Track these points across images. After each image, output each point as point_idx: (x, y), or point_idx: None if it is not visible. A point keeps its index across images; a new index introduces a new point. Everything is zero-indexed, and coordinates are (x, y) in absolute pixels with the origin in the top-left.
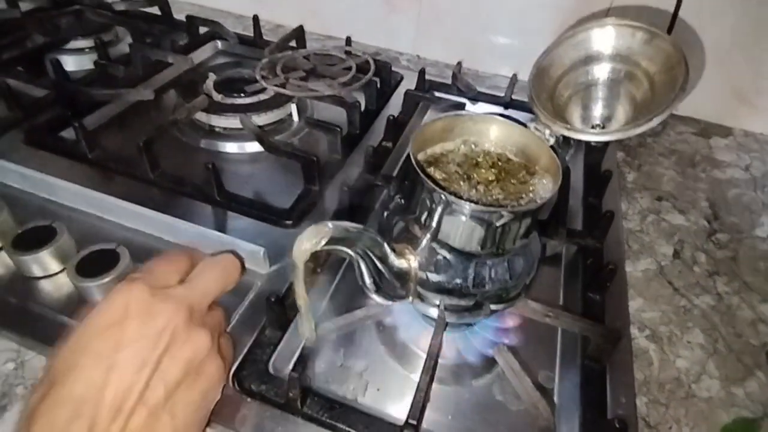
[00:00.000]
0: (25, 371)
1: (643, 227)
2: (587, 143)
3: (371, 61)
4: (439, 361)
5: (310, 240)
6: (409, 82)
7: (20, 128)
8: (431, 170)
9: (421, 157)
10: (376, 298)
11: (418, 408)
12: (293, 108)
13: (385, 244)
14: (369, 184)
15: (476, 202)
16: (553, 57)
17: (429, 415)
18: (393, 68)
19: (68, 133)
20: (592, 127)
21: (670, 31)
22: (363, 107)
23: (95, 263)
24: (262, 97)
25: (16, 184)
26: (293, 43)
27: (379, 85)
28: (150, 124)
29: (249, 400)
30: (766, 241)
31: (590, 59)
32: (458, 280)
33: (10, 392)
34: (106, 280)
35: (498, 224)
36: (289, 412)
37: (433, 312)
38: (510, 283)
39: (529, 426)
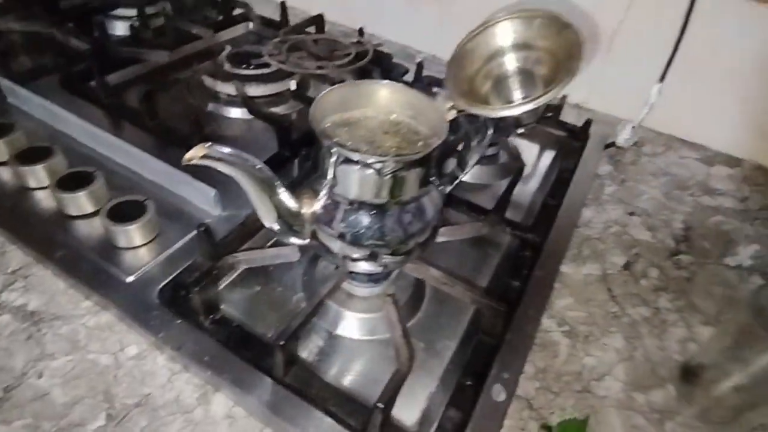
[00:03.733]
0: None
1: (602, 236)
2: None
3: (371, 51)
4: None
5: (193, 153)
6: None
7: (59, 74)
8: (339, 132)
9: (336, 119)
10: (267, 227)
11: (288, 333)
12: (292, 84)
13: (276, 180)
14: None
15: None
16: (471, 47)
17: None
18: (400, 62)
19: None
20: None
21: (675, 50)
22: None
23: (125, 210)
24: (265, 71)
25: (45, 118)
26: (313, 30)
27: (379, 75)
28: (165, 83)
29: (168, 311)
30: (733, 270)
31: (500, 52)
32: (354, 229)
33: None
34: (131, 227)
35: (385, 172)
36: (195, 325)
37: (332, 259)
38: (401, 237)
39: (389, 365)
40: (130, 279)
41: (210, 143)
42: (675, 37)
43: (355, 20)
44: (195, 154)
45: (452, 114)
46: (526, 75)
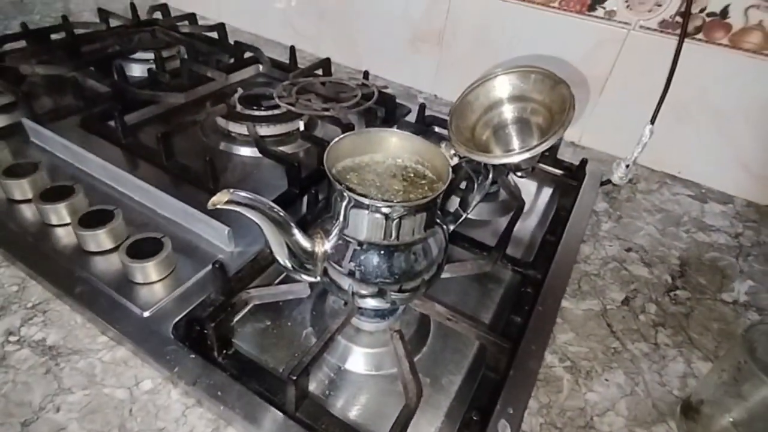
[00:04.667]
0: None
1: (600, 272)
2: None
3: (376, 92)
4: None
5: (218, 198)
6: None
7: (79, 115)
8: (350, 176)
9: (348, 163)
10: (281, 264)
11: (301, 368)
12: (301, 124)
13: (291, 222)
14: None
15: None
16: (471, 98)
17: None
18: (403, 102)
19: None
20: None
21: (664, 94)
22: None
23: (142, 247)
24: (276, 112)
25: (67, 157)
26: (320, 72)
27: (383, 114)
28: (180, 124)
29: (182, 346)
30: (729, 305)
31: (499, 103)
32: (363, 268)
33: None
34: (148, 263)
35: (393, 216)
36: (208, 360)
37: (342, 295)
38: (409, 275)
39: (396, 399)
40: (146, 314)
41: (232, 189)
42: (663, 82)
43: (361, 62)
44: (220, 200)
45: (455, 160)
46: (523, 124)
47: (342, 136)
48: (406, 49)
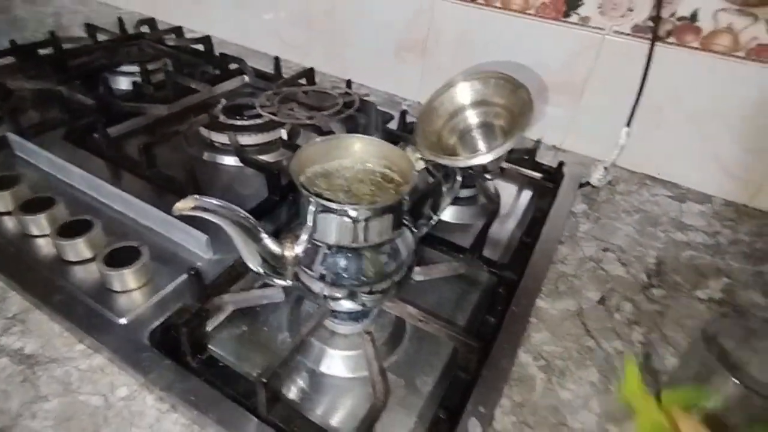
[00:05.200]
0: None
1: (577, 273)
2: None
3: (357, 100)
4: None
5: (183, 204)
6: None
7: (64, 128)
8: (319, 181)
9: (317, 169)
10: (252, 270)
11: (271, 371)
12: (283, 133)
13: (259, 227)
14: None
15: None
16: (437, 104)
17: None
18: (387, 110)
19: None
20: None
21: (638, 97)
22: None
23: (120, 255)
24: (258, 121)
25: (50, 169)
26: (304, 81)
27: (365, 122)
28: (164, 135)
29: (158, 352)
30: (704, 303)
31: (462, 108)
32: (333, 271)
33: None
34: (125, 271)
35: (360, 219)
36: (183, 366)
37: (314, 299)
38: (378, 277)
39: (365, 400)
40: (122, 321)
41: (197, 195)
42: (638, 85)
43: (346, 71)
44: (186, 206)
45: (420, 164)
46: (488, 127)
47: (309, 143)
48: (391, 58)
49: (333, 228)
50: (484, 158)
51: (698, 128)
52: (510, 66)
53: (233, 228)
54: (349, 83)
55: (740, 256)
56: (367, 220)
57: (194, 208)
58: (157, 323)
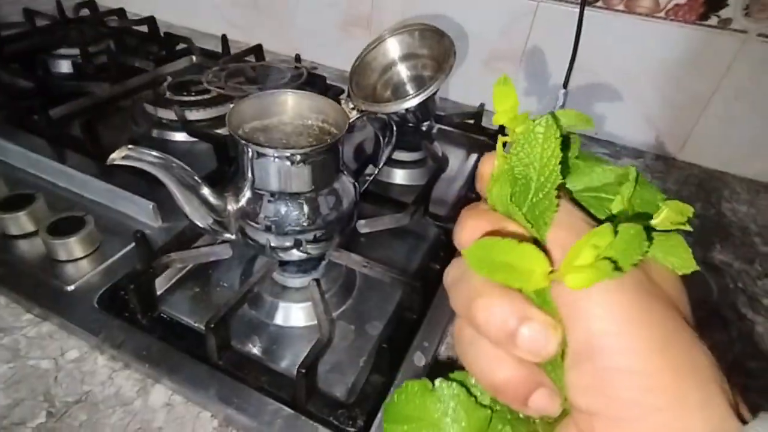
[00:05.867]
0: None
1: None
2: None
3: (305, 73)
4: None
5: (116, 154)
6: None
7: (4, 112)
8: (258, 136)
9: (256, 125)
10: (195, 224)
11: (218, 317)
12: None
13: (199, 180)
14: None
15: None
16: (369, 59)
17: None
18: (336, 84)
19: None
20: None
21: (572, 60)
22: None
23: (66, 226)
24: (206, 96)
25: None
26: (253, 58)
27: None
28: (108, 113)
29: (108, 314)
30: None
31: (393, 63)
32: (276, 219)
33: None
34: (70, 239)
35: (296, 160)
36: (133, 324)
37: (260, 251)
38: (321, 224)
39: (309, 337)
40: (70, 288)
41: (132, 146)
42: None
43: (295, 49)
44: (118, 155)
45: (355, 114)
46: (419, 80)
47: (247, 97)
48: (339, 33)
49: (271, 174)
50: (411, 102)
51: (628, 88)
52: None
53: (172, 181)
54: (298, 58)
55: None
56: (303, 162)
57: (126, 157)
58: (105, 288)
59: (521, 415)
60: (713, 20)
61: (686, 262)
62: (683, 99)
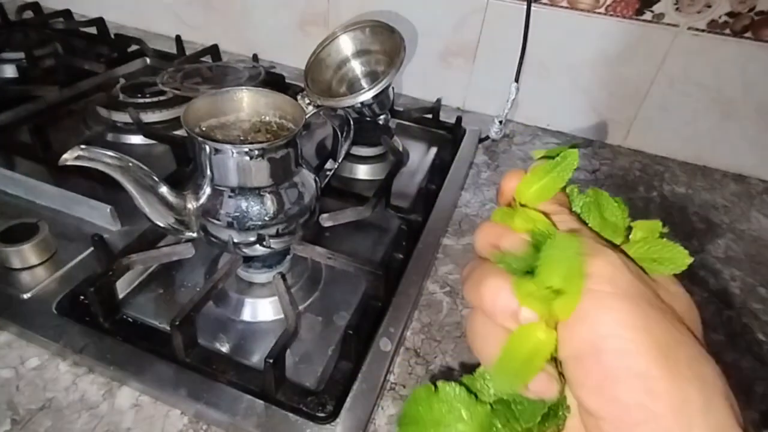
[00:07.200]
0: None
1: (479, 213)
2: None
3: (263, 72)
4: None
5: (68, 154)
6: None
7: None
8: (215, 133)
9: (213, 123)
10: (155, 224)
11: (183, 314)
12: None
13: (156, 178)
14: None
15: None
16: (324, 55)
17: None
18: (296, 83)
19: None
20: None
21: (522, 55)
22: None
23: (18, 233)
24: (161, 98)
25: None
26: (209, 59)
27: None
28: (59, 117)
29: (67, 320)
30: None
31: (347, 59)
32: (237, 215)
33: None
34: (24, 246)
35: (254, 155)
36: (95, 327)
37: (223, 248)
38: (282, 218)
39: (277, 331)
40: (26, 296)
41: (84, 145)
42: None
43: (252, 49)
44: (70, 155)
45: (311, 109)
46: (373, 75)
47: (202, 95)
48: (297, 32)
49: (231, 170)
50: (365, 96)
51: (575, 80)
52: (408, 32)
53: (129, 181)
54: (255, 57)
55: (614, 186)
56: (262, 157)
57: (79, 158)
58: (63, 294)
59: (517, 414)
60: (648, 15)
61: (679, 256)
62: (625, 90)
